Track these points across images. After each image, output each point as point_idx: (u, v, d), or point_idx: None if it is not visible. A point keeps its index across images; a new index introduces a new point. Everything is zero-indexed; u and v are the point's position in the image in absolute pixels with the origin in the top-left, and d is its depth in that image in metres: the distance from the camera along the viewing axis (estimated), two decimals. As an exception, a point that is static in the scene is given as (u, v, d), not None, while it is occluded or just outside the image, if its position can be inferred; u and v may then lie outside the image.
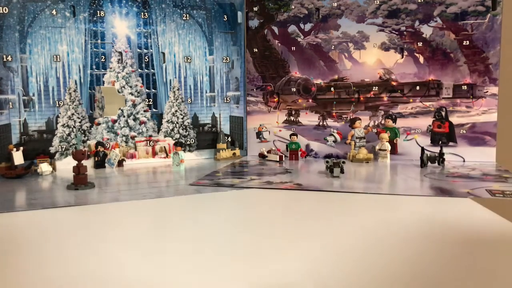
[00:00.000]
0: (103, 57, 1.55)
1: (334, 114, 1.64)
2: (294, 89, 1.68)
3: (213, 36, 1.68)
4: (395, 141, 1.53)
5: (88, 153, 1.48)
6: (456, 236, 0.75)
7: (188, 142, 1.68)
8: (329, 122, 1.65)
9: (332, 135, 1.62)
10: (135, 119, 1.60)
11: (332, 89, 1.64)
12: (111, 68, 1.56)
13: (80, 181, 1.14)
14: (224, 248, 0.70)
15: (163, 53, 1.62)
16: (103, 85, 1.55)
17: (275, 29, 1.69)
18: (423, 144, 1.50)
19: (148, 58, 1.61)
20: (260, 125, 1.72)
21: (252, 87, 1.73)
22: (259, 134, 1.72)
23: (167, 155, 1.63)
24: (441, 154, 1.39)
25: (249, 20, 1.70)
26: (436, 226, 0.81)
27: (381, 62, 1.58)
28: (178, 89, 1.66)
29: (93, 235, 0.78)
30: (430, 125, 1.53)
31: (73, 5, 1.48)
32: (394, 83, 1.57)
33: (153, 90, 1.64)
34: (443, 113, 1.52)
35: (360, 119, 1.59)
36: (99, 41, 1.54)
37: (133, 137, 1.60)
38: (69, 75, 1.50)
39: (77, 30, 1.50)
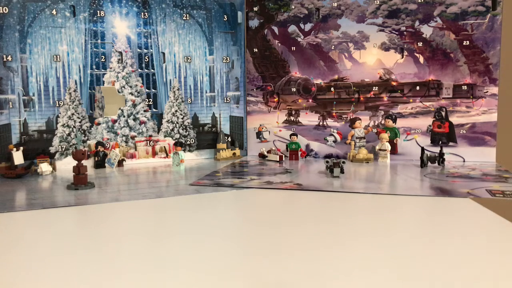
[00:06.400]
0: (103, 57, 1.55)
1: (334, 114, 1.64)
2: (294, 89, 1.68)
3: (213, 36, 1.68)
4: (395, 141, 1.53)
5: (88, 153, 1.47)
6: (456, 236, 0.75)
7: (188, 142, 1.68)
8: (329, 122, 1.65)
9: (332, 135, 1.62)
10: (135, 119, 1.60)
11: (332, 89, 1.64)
12: (111, 68, 1.56)
13: (80, 181, 1.14)
14: (224, 248, 0.70)
15: (163, 53, 1.62)
16: (103, 85, 1.55)
17: (275, 29, 1.69)
18: (423, 144, 1.50)
19: (148, 58, 1.61)
20: (260, 125, 1.72)
21: (252, 87, 1.73)
22: (259, 134, 1.72)
23: (167, 155, 1.63)
24: (441, 154, 1.39)
25: (249, 20, 1.70)
26: (436, 226, 0.81)
27: (381, 62, 1.58)
28: (178, 89, 1.66)
29: (93, 235, 0.78)
30: (430, 125, 1.53)
31: (73, 5, 1.48)
32: (394, 83, 1.57)
33: (153, 90, 1.64)
34: (443, 113, 1.52)
35: (360, 119, 1.59)
36: (99, 41, 1.54)
37: (133, 137, 1.60)
38: (69, 75, 1.50)
39: (77, 30, 1.50)
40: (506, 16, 1.45)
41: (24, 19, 1.42)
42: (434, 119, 1.53)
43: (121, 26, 1.56)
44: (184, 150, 1.64)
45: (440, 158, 1.38)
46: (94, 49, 1.53)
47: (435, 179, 1.20)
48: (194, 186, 1.16)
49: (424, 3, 1.51)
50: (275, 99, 1.71)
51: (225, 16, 1.69)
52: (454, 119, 1.51)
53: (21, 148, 1.36)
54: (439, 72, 1.52)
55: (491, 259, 0.64)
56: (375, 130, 1.58)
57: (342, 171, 1.24)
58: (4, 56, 1.40)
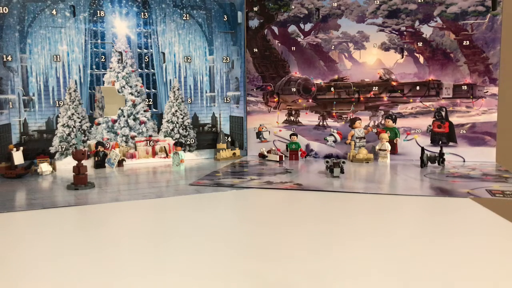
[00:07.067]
0: (103, 57, 1.55)
1: (334, 114, 1.64)
2: (294, 89, 1.68)
3: (213, 36, 1.68)
4: (395, 141, 1.53)
5: (88, 153, 1.47)
6: (456, 236, 0.75)
7: (188, 142, 1.68)
8: (329, 122, 1.65)
9: (332, 135, 1.62)
10: (135, 119, 1.60)
11: (332, 89, 1.64)
12: (111, 68, 1.56)
13: (80, 181, 1.14)
14: (224, 248, 0.70)
15: (163, 53, 1.62)
16: (103, 85, 1.55)
17: (275, 29, 1.69)
18: (423, 144, 1.50)
19: (148, 58, 1.61)
20: (260, 125, 1.72)
21: (252, 87, 1.73)
22: (259, 134, 1.72)
23: (167, 155, 1.63)
24: (441, 154, 1.39)
25: (249, 20, 1.70)
26: (436, 226, 0.81)
27: (381, 62, 1.58)
28: (178, 89, 1.66)
29: (93, 235, 0.78)
30: (430, 125, 1.53)
31: (73, 5, 1.48)
32: (394, 83, 1.57)
33: (153, 90, 1.64)
34: (443, 113, 1.52)
35: (360, 119, 1.59)
36: (99, 41, 1.54)
37: (133, 137, 1.60)
38: (69, 75, 1.50)
39: (77, 30, 1.50)
40: (506, 16, 1.45)
41: (24, 19, 1.42)
42: (434, 119, 1.53)
43: (121, 26, 1.56)
44: (184, 150, 1.64)
45: (440, 158, 1.38)
46: (94, 49, 1.53)
47: (435, 179, 1.20)
48: (194, 186, 1.16)
49: (424, 3, 1.51)
50: (275, 99, 1.71)
51: (225, 16, 1.69)
52: (454, 119, 1.51)
53: (21, 148, 1.36)
54: (439, 72, 1.52)
55: (491, 259, 0.64)
56: (375, 130, 1.58)
57: (342, 171, 1.24)
58: (4, 56, 1.40)
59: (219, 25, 1.69)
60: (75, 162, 1.16)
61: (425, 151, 1.38)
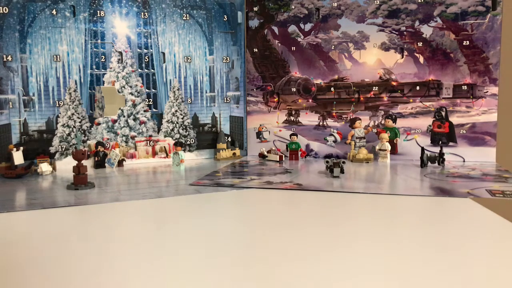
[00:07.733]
0: (103, 57, 1.55)
1: (334, 114, 1.64)
2: (294, 89, 1.68)
3: (213, 36, 1.68)
4: (395, 141, 1.53)
5: (88, 153, 1.47)
6: (456, 236, 0.75)
7: (188, 142, 1.68)
8: (329, 122, 1.65)
9: (332, 135, 1.62)
10: (135, 119, 1.60)
11: (332, 89, 1.64)
12: (111, 68, 1.56)
13: (80, 181, 1.14)
14: (223, 248, 0.70)
15: (163, 53, 1.62)
16: (103, 85, 1.55)
17: (275, 29, 1.69)
18: (423, 144, 1.50)
19: (148, 58, 1.61)
20: (260, 125, 1.72)
21: (252, 87, 1.73)
22: (259, 134, 1.72)
23: (167, 155, 1.63)
24: (441, 154, 1.39)
25: (249, 20, 1.70)
26: (436, 226, 0.81)
27: (381, 62, 1.58)
28: (178, 89, 1.66)
29: (93, 235, 0.78)
30: (430, 125, 1.53)
31: (73, 5, 1.48)
32: (394, 83, 1.57)
33: (153, 90, 1.64)
34: (443, 113, 1.52)
35: (360, 119, 1.59)
36: (99, 41, 1.54)
37: (133, 137, 1.60)
38: (69, 75, 1.50)
39: (77, 30, 1.50)
40: (506, 16, 1.45)
41: (24, 19, 1.42)
42: (434, 119, 1.53)
43: (121, 26, 1.56)
44: (184, 150, 1.64)
45: (440, 158, 1.38)
46: (94, 49, 1.53)
47: (435, 179, 1.20)
48: (194, 186, 1.16)
49: (424, 3, 1.51)
50: (275, 99, 1.71)
51: (225, 16, 1.69)
52: (454, 119, 1.51)
53: (21, 148, 1.36)
54: (439, 72, 1.52)
55: (491, 259, 0.64)
56: (375, 130, 1.58)
57: (342, 171, 1.24)
58: (4, 56, 1.40)
59: (219, 25, 1.69)
60: (75, 162, 1.16)
61: (425, 151, 1.38)
